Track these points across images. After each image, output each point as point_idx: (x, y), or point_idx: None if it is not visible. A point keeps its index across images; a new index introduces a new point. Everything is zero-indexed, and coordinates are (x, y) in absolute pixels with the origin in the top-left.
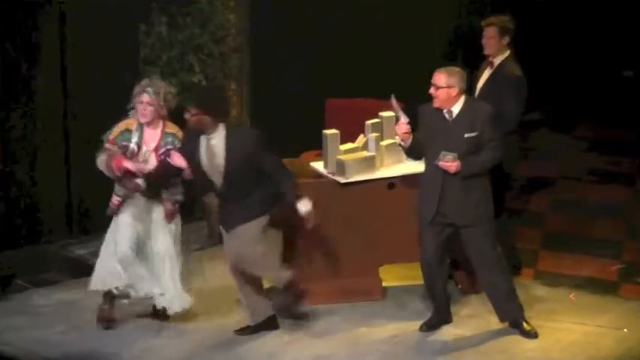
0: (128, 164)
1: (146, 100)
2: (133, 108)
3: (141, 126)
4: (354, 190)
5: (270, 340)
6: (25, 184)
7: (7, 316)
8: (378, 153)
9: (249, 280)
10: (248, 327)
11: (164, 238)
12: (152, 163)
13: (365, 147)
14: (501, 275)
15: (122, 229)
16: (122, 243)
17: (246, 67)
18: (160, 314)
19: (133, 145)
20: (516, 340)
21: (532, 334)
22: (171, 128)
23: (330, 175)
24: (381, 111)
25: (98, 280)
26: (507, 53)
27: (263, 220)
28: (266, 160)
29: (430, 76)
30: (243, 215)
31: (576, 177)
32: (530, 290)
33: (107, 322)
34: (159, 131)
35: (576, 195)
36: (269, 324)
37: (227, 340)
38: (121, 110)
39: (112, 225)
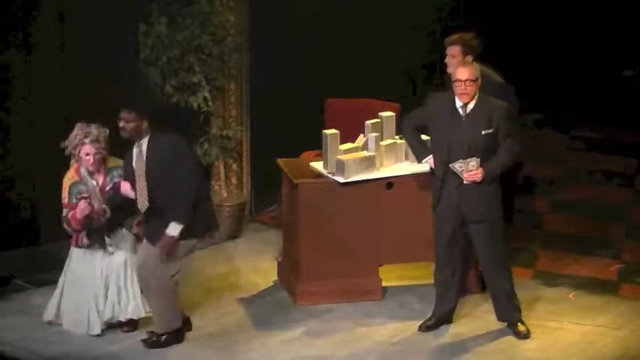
0: (80, 214)
1: (92, 151)
2: (71, 154)
3: (86, 170)
4: (354, 190)
5: (270, 340)
6: (25, 184)
7: (7, 316)
8: (377, 153)
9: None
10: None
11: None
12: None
13: (365, 147)
14: (504, 275)
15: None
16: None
17: (246, 67)
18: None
19: (91, 186)
20: (516, 340)
21: (523, 335)
22: (113, 162)
23: (329, 175)
24: (381, 111)
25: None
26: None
27: (187, 243)
28: (183, 166)
29: (431, 76)
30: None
31: (576, 177)
32: (530, 290)
33: None
34: (102, 170)
35: (576, 195)
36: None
37: (226, 340)
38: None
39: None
